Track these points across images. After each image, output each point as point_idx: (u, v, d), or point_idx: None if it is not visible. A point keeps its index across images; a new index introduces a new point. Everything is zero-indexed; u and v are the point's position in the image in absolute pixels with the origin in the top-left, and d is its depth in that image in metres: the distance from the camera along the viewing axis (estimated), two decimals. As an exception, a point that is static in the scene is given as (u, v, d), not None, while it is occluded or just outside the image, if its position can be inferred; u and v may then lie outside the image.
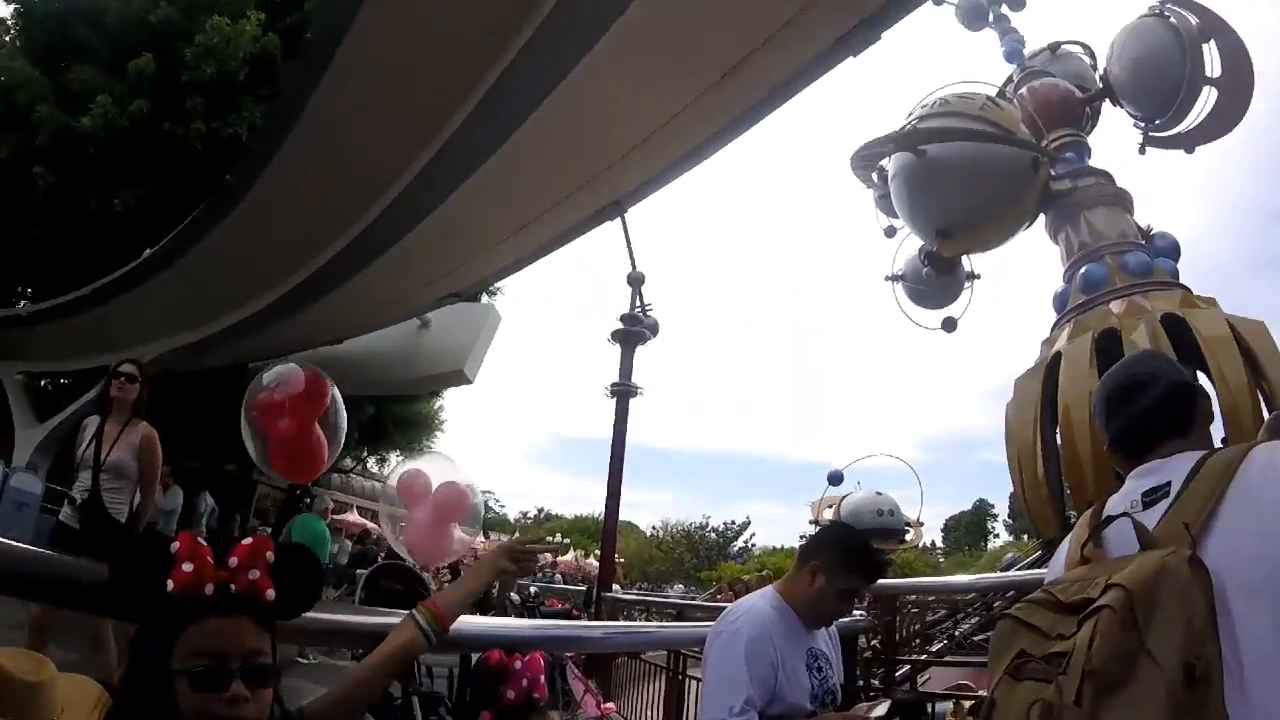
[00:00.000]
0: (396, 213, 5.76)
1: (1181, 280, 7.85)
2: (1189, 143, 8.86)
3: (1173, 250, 8.56)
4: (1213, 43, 7.96)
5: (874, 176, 7.62)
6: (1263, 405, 6.45)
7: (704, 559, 40.77)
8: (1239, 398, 6.34)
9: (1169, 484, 1.05)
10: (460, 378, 9.80)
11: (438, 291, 7.83)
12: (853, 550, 1.85)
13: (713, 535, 43.48)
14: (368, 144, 5.20)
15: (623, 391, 8.57)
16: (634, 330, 8.37)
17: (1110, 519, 1.08)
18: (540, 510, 55.42)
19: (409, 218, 5.84)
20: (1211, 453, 1.07)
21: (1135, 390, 1.20)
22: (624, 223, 6.95)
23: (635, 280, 8.31)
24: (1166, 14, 8.44)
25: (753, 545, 43.87)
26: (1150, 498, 1.07)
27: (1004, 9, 9.01)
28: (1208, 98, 8.32)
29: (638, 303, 8.26)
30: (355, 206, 5.88)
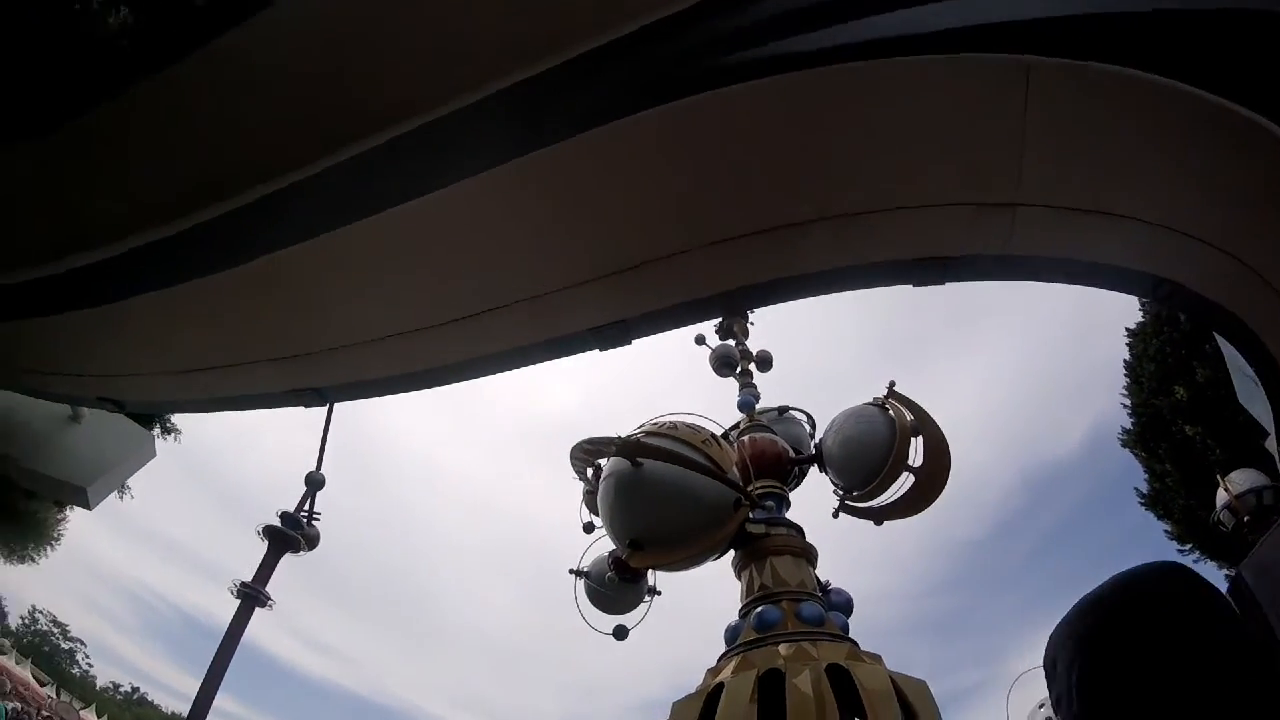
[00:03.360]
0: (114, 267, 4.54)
1: (851, 635, 8.52)
2: (879, 516, 10.14)
3: (846, 606, 9.40)
4: (920, 437, 9.43)
5: (589, 472, 7.95)
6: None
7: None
8: (896, 745, 6.69)
9: None
10: (79, 497, 8.10)
11: (97, 388, 6.51)
12: None
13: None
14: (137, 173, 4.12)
15: (248, 595, 7.58)
16: (288, 534, 7.65)
17: None
18: (135, 690, 46.55)
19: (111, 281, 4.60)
20: None
21: None
22: (328, 416, 6.57)
23: (313, 482, 7.77)
24: (887, 406, 10.03)
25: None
26: None
27: (751, 365, 10.44)
28: (905, 482, 9.70)
29: (306, 507, 7.65)
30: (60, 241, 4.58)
